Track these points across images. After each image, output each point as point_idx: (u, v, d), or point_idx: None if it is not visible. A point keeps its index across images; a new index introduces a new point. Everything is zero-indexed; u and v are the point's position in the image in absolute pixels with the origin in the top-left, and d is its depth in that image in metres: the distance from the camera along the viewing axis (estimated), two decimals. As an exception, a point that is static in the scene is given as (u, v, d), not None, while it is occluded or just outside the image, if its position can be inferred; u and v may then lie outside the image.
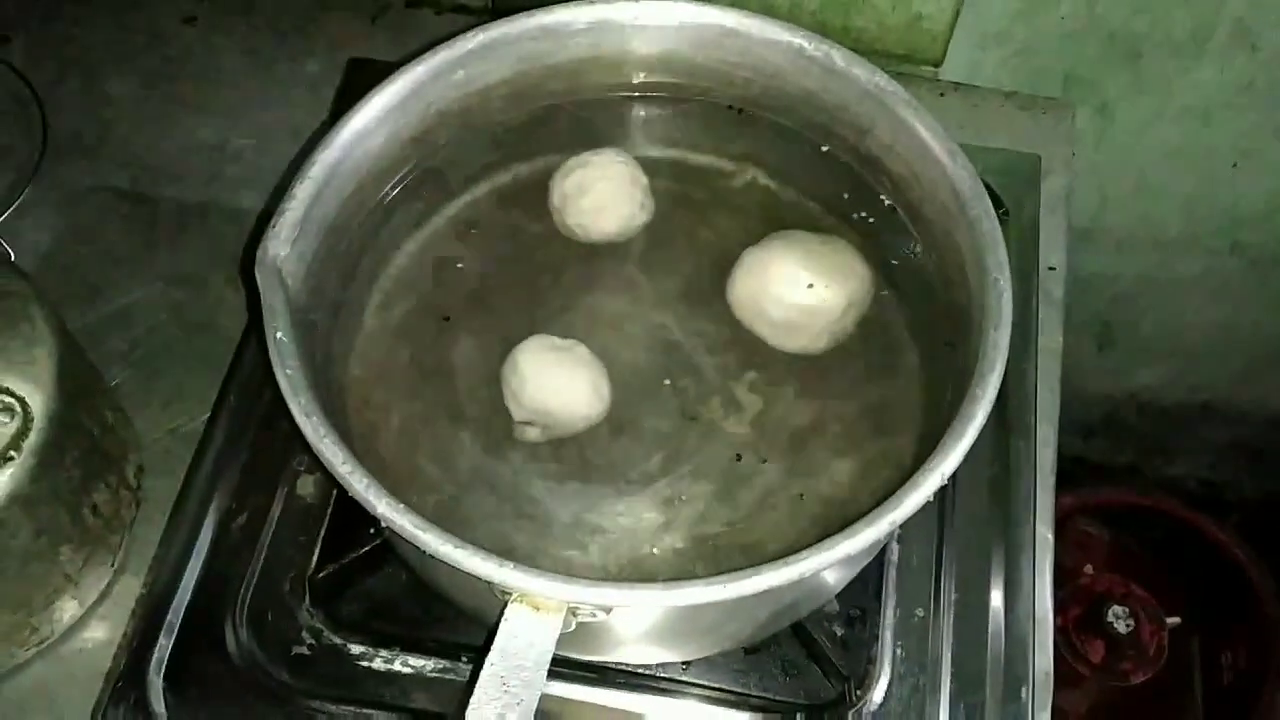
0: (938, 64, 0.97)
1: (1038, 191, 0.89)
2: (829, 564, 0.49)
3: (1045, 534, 0.75)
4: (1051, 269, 0.87)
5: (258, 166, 0.91)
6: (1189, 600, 1.30)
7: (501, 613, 0.50)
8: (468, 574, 0.50)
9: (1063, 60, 0.99)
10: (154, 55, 0.98)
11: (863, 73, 0.66)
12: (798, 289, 0.66)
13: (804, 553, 0.49)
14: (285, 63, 0.98)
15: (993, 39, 0.97)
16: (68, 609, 0.71)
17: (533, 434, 0.64)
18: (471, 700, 0.48)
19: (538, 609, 0.50)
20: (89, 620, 0.73)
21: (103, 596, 0.73)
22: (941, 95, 0.96)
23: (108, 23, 1.00)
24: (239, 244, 0.86)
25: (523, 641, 0.50)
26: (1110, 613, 1.23)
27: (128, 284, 0.86)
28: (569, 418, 0.64)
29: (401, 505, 0.51)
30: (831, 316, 0.67)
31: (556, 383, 0.64)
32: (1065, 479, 0.80)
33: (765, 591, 0.49)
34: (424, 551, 0.50)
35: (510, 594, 0.50)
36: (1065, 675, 1.25)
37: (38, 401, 0.63)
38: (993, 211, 0.60)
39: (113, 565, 0.73)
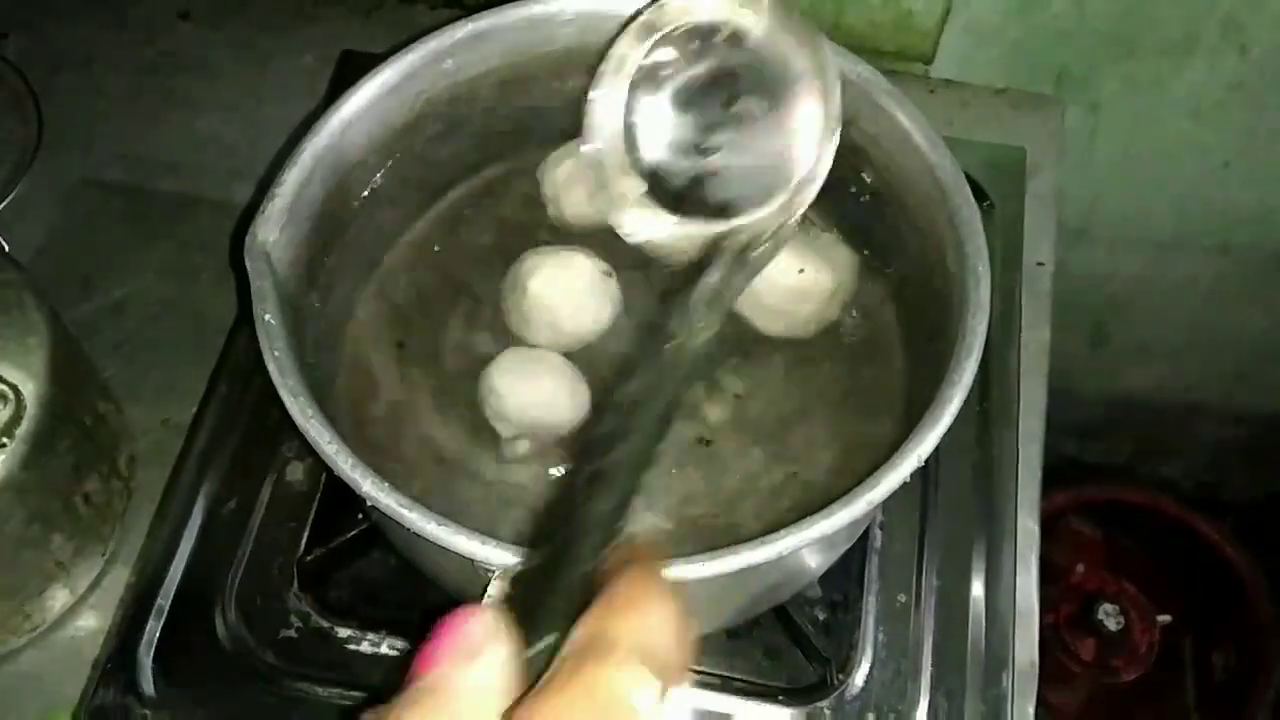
0: (928, 61, 0.97)
1: (1023, 186, 0.89)
2: (807, 543, 0.50)
3: (1030, 526, 0.76)
4: (1040, 264, 0.87)
5: (252, 160, 0.90)
6: (1181, 599, 1.31)
7: (484, 590, 0.51)
8: (451, 552, 0.50)
9: (1055, 58, 0.99)
10: (148, 49, 0.99)
11: (846, 63, 0.66)
12: (789, 273, 0.66)
13: (782, 531, 0.50)
14: (279, 57, 0.98)
15: (984, 36, 0.97)
16: (59, 597, 0.71)
17: (523, 448, 0.65)
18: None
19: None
20: (80, 609, 0.73)
21: (94, 585, 0.73)
22: (932, 92, 0.97)
23: (102, 17, 1.00)
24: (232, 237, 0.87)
25: (505, 619, 0.50)
26: (1101, 610, 1.24)
27: (121, 276, 0.86)
28: (554, 425, 0.65)
29: (386, 484, 0.51)
30: (819, 301, 0.67)
31: (536, 397, 0.64)
32: (1059, 479, 0.80)
33: (745, 570, 0.49)
34: (409, 531, 0.51)
35: (493, 572, 0.51)
36: (1056, 672, 1.25)
37: (30, 390, 0.64)
38: (972, 200, 0.61)
39: (104, 555, 0.74)
